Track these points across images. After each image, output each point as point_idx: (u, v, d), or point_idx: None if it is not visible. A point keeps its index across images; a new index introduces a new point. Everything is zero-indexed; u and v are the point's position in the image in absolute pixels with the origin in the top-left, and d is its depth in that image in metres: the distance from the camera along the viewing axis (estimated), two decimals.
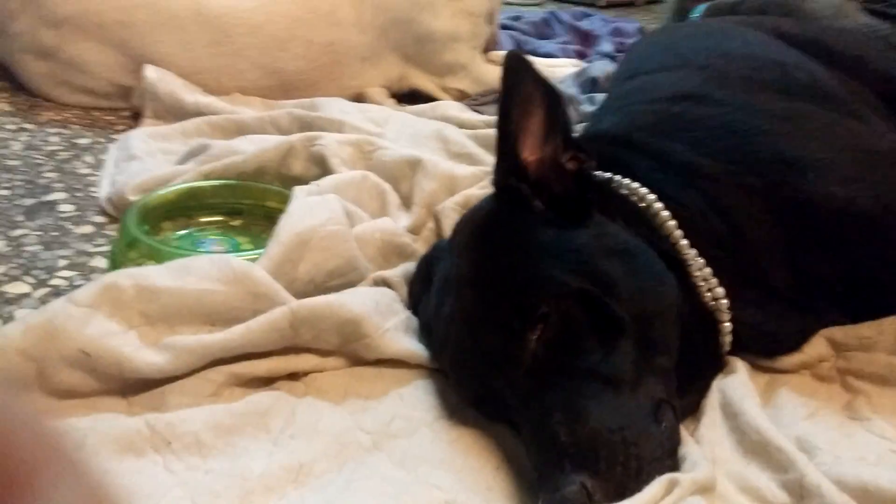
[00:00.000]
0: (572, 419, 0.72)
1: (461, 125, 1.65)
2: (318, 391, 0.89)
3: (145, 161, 1.41)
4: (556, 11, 2.92)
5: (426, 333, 0.95)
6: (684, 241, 0.90)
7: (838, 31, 1.58)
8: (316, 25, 1.89)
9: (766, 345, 0.94)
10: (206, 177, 1.29)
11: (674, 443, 0.76)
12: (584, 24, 2.79)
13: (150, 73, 1.70)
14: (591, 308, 0.78)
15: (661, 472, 0.71)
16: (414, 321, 0.99)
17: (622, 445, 0.70)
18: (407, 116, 1.70)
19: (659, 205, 0.92)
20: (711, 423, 0.83)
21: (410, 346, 0.93)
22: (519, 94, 0.85)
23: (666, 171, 0.96)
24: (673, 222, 0.91)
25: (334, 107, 1.62)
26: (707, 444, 0.81)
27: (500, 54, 1.63)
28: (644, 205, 0.93)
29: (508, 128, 0.86)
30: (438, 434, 0.85)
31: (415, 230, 1.20)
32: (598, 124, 1.19)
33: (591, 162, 0.88)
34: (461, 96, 2.06)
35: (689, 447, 0.78)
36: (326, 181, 1.17)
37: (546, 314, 0.78)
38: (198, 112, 1.64)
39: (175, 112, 1.66)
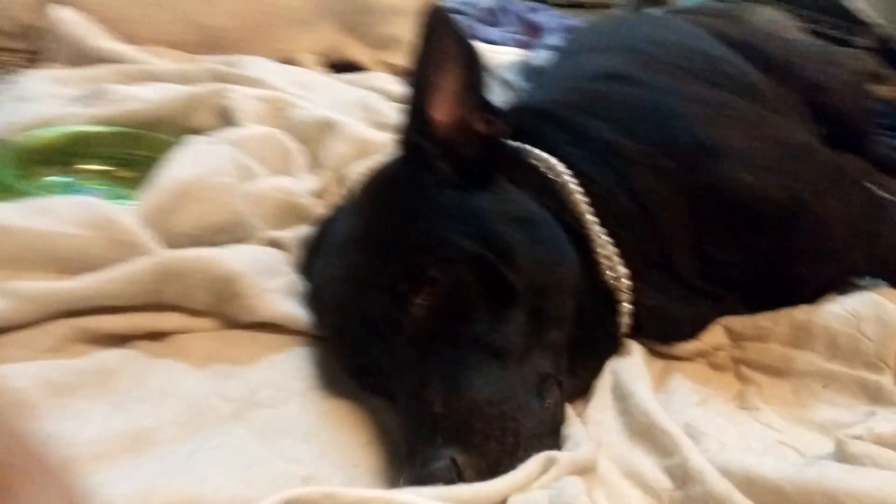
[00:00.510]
0: (449, 389, 0.66)
1: (391, 98, 1.58)
2: (180, 353, 0.81)
3: (38, 104, 1.29)
4: (507, 2, 2.87)
5: (312, 298, 0.88)
6: (591, 217, 0.86)
7: (773, 37, 1.57)
8: None
9: (664, 330, 0.90)
10: (99, 122, 1.19)
11: (556, 421, 0.71)
12: (534, 17, 2.75)
13: (56, 12, 1.57)
14: (484, 275, 0.73)
15: (540, 451, 0.65)
16: (301, 285, 0.92)
17: (499, 419, 0.65)
18: (333, 82, 1.61)
19: (569, 177, 0.87)
20: (601, 405, 0.78)
21: (291, 309, 0.86)
22: (436, 49, 0.79)
23: (582, 146, 0.92)
24: (581, 196, 0.86)
25: (256, 65, 1.53)
26: (594, 426, 0.75)
27: None
28: (553, 177, 0.88)
29: (420, 83, 0.80)
30: (308, 405, 0.77)
31: (322, 194, 1.12)
32: (525, 99, 1.14)
33: (504, 127, 0.82)
34: (396, 73, 1.98)
35: (575, 427, 0.73)
36: (225, 133, 1.09)
37: (435, 278, 0.72)
38: (105, 59, 1.52)
39: (80, 57, 1.53)
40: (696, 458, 0.68)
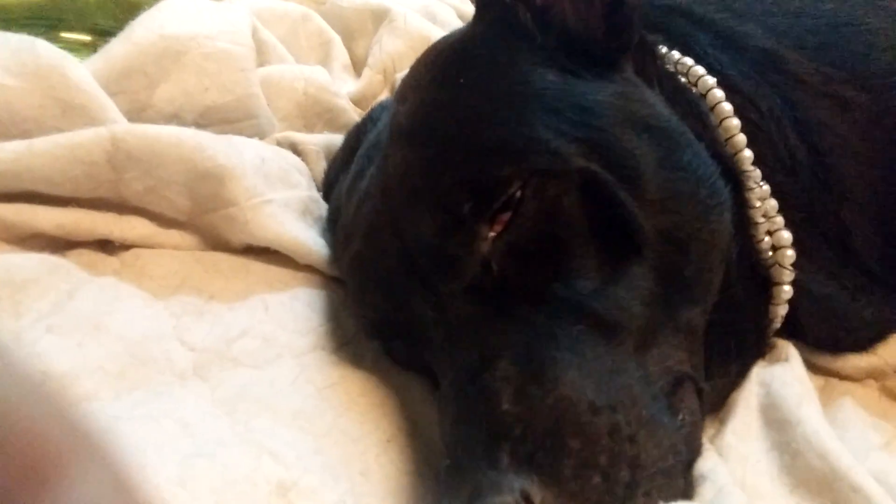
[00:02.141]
0: (528, 376, 0.41)
1: (458, 15, 1.30)
2: (135, 275, 0.56)
3: None
4: None
5: (332, 224, 0.63)
6: (748, 153, 0.58)
7: None
8: None
9: (832, 332, 0.62)
10: None
11: (694, 449, 0.45)
12: None
13: None
14: (595, 203, 0.46)
15: (669, 496, 0.40)
16: (320, 206, 0.67)
17: (609, 437, 0.39)
18: None
19: (719, 93, 0.60)
20: (745, 431, 0.52)
21: (300, 233, 0.60)
22: None
23: (734, 54, 0.64)
24: (736, 121, 0.59)
25: None
26: (735, 462, 0.50)
27: None
28: (697, 90, 0.61)
29: None
30: (309, 371, 0.52)
31: (361, 101, 0.87)
32: None
33: None
34: None
35: (713, 462, 0.46)
36: (246, 2, 0.83)
37: (520, 199, 0.45)
38: None
39: None
40: None
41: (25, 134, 0.55)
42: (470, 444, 0.40)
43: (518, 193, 0.46)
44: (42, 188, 0.55)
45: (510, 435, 0.39)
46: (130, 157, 0.55)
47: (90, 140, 0.54)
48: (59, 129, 0.56)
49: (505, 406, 0.40)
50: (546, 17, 0.55)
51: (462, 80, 0.52)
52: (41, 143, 0.54)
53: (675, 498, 0.40)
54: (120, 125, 0.56)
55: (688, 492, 0.43)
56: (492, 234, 0.46)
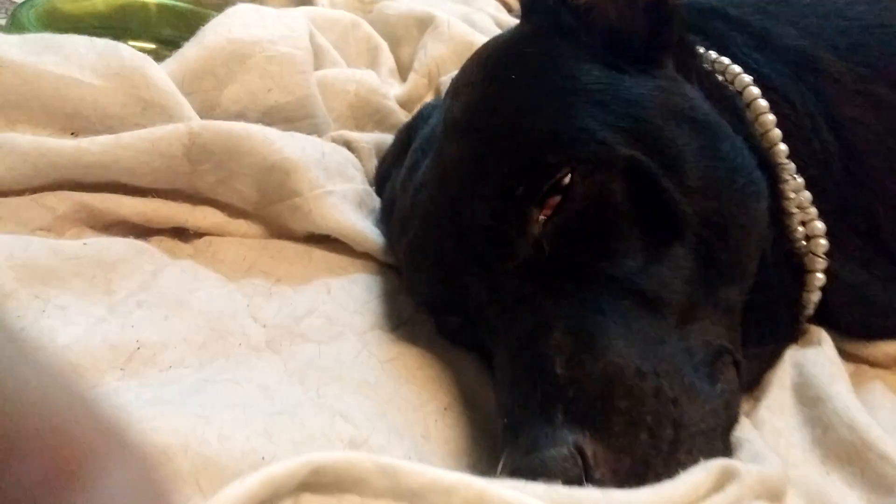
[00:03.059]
0: (579, 345, 0.44)
1: (496, 23, 1.35)
2: (209, 259, 0.61)
3: None
4: None
5: (387, 216, 0.67)
6: (783, 146, 0.61)
7: None
8: None
9: (864, 319, 0.65)
10: None
11: (732, 416, 0.48)
12: None
13: None
14: (639, 189, 0.50)
15: (709, 455, 0.43)
16: (374, 199, 0.71)
17: (654, 399, 0.42)
18: None
19: (755, 90, 0.63)
20: (778, 407, 0.55)
21: (358, 223, 0.65)
22: None
23: (769, 54, 0.68)
24: (771, 117, 0.62)
25: None
26: (770, 434, 0.52)
27: None
28: (734, 87, 0.64)
29: None
30: (370, 348, 0.56)
31: (407, 103, 0.91)
32: None
33: None
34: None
35: (749, 432, 0.49)
36: (303, 9, 0.88)
37: (569, 185, 0.49)
38: None
39: None
40: None
41: (110, 130, 0.60)
42: (526, 405, 0.44)
43: (567, 179, 0.50)
44: (126, 179, 0.60)
45: (564, 396, 0.43)
46: (205, 150, 0.60)
47: (169, 134, 0.59)
48: (140, 126, 0.61)
49: (558, 370, 0.44)
50: (589, 16, 0.58)
51: (513, 77, 0.56)
52: (126, 137, 0.59)
53: (716, 456, 0.44)
54: (195, 121, 0.61)
55: (727, 453, 0.46)
56: (543, 216, 0.50)
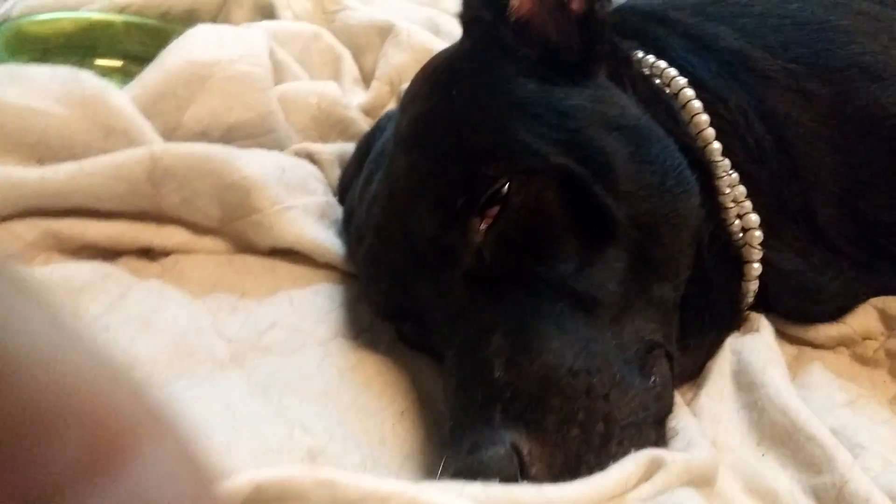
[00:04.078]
0: (517, 347, 0.48)
1: None
2: (175, 278, 0.64)
3: None
4: None
5: (347, 225, 0.70)
6: (716, 145, 0.65)
7: None
8: None
9: (801, 304, 0.68)
10: (121, 11, 1.01)
11: (663, 407, 0.51)
12: None
13: None
14: (573, 196, 0.53)
15: (641, 446, 0.46)
16: (336, 210, 0.74)
17: (585, 396, 0.46)
18: None
19: (690, 92, 0.66)
20: (717, 393, 0.58)
21: (319, 235, 0.68)
22: None
23: (704, 55, 0.70)
24: (705, 117, 0.65)
25: None
26: (708, 420, 0.56)
27: None
28: (670, 90, 0.67)
29: None
30: (331, 357, 0.59)
31: (371, 111, 0.93)
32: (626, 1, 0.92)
33: (606, 3, 0.61)
34: None
35: (685, 420, 0.53)
36: (264, 24, 0.90)
37: (506, 195, 0.52)
38: None
39: None
40: (859, 479, 0.49)
41: (75, 157, 0.63)
42: (468, 408, 0.47)
43: (504, 189, 0.53)
44: (91, 204, 0.63)
45: (502, 397, 0.46)
46: (167, 173, 0.63)
47: (132, 159, 0.62)
48: (104, 151, 0.63)
49: (497, 374, 0.47)
50: (525, 31, 0.61)
51: (453, 92, 0.59)
52: (90, 164, 0.61)
53: (645, 446, 0.47)
54: (157, 145, 0.64)
55: (659, 443, 0.49)
56: (483, 226, 0.53)
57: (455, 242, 0.53)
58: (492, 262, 0.53)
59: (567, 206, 0.53)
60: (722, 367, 0.60)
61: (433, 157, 0.56)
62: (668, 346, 0.54)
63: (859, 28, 0.73)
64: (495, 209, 0.53)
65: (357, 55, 1.01)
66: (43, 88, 0.63)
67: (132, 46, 1.00)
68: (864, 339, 0.69)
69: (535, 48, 0.60)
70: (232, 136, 0.74)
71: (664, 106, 0.66)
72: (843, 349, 0.69)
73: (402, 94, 0.94)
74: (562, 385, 0.46)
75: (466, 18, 0.63)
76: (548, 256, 0.52)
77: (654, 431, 0.49)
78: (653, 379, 0.51)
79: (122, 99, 0.65)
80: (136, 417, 0.17)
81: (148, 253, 0.66)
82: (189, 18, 1.04)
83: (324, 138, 0.85)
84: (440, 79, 0.61)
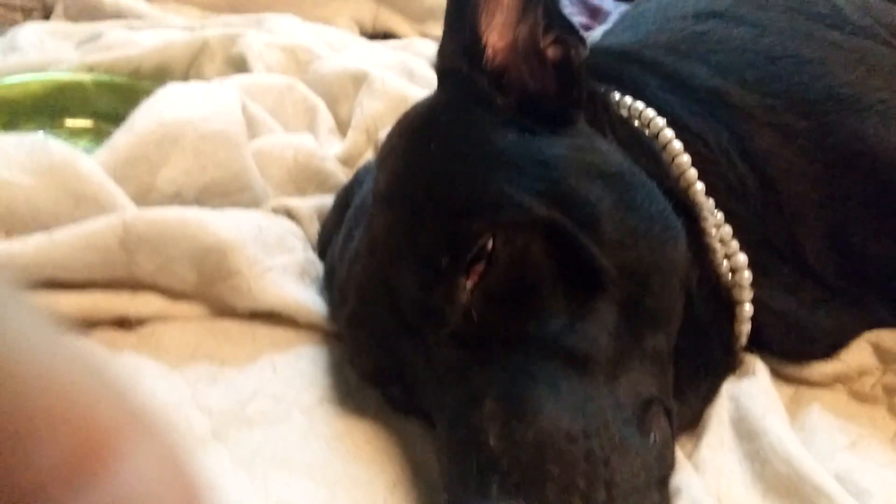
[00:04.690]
0: (511, 413, 0.46)
1: (435, 66, 1.37)
2: (152, 348, 0.61)
3: (29, 52, 1.12)
4: None
5: (329, 283, 0.68)
6: (699, 185, 0.64)
7: (886, 5, 1.34)
8: None
9: (795, 343, 0.67)
10: (90, 70, 1.00)
11: (666, 466, 0.50)
12: (595, 1, 2.56)
13: None
14: (559, 249, 0.52)
15: None
16: (317, 267, 0.72)
17: (585, 462, 0.44)
18: (371, 45, 1.41)
19: (669, 132, 0.66)
20: (718, 444, 0.57)
21: (300, 295, 0.66)
22: None
23: (681, 94, 0.70)
24: (686, 157, 0.65)
25: (283, 21, 1.33)
26: (711, 474, 0.54)
27: None
28: (649, 131, 0.66)
29: None
30: (318, 425, 0.57)
31: (348, 160, 0.92)
32: (601, 41, 0.92)
33: (582, 49, 0.61)
34: None
35: (686, 476, 0.51)
36: (234, 79, 0.89)
37: (491, 250, 0.51)
38: (117, 14, 1.35)
39: (90, 12, 1.36)
40: None
41: (44, 227, 0.61)
42: (464, 480, 0.45)
43: (489, 245, 0.51)
44: (62, 275, 0.60)
45: (498, 468, 0.44)
46: (141, 240, 0.61)
47: (104, 227, 0.60)
48: (75, 220, 0.61)
49: (492, 442, 0.45)
50: (501, 81, 0.60)
51: (431, 146, 0.58)
52: (60, 234, 0.59)
53: None
54: (129, 211, 0.62)
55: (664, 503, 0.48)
56: (469, 284, 0.51)
57: (441, 302, 0.51)
58: (480, 322, 0.51)
59: (554, 258, 0.52)
60: (721, 414, 0.59)
61: (414, 215, 0.54)
62: (666, 401, 0.52)
63: (833, 60, 0.73)
64: (481, 266, 0.51)
65: (332, 105, 1.00)
66: (8, 158, 0.61)
67: (103, 105, 0.98)
68: (860, 374, 0.68)
69: (512, 97, 0.59)
70: (207, 195, 0.72)
71: (645, 148, 0.65)
72: (839, 386, 0.68)
73: (378, 143, 0.93)
74: (560, 451, 0.44)
75: (442, 69, 0.62)
76: (537, 313, 0.51)
77: (658, 493, 0.47)
78: (653, 437, 0.49)
79: (91, 165, 0.63)
80: (120, 420, 0.17)
81: (123, 322, 0.63)
82: (160, 74, 1.03)
83: (301, 192, 0.84)
84: (417, 132, 0.60)
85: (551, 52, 0.61)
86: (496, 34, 0.61)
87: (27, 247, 0.58)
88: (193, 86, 0.76)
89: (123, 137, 0.68)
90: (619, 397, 0.49)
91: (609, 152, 0.59)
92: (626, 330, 0.52)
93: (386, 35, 1.75)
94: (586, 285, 0.52)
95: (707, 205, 0.63)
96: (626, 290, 0.53)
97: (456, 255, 0.51)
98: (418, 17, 1.79)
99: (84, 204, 0.62)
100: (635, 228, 0.55)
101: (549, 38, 0.61)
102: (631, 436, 0.47)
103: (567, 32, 0.61)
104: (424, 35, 1.78)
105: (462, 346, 0.51)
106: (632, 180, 0.58)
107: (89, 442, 0.16)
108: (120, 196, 0.64)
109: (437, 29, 1.83)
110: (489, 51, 0.61)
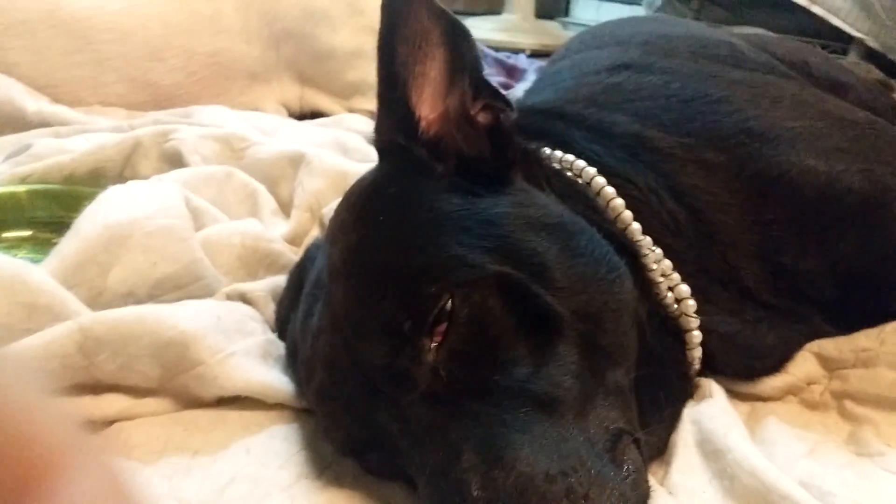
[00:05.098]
0: (490, 461, 0.47)
1: (369, 139, 1.41)
2: (121, 446, 0.61)
3: None
4: (484, 48, 2.79)
5: (292, 361, 0.69)
6: (636, 225, 0.68)
7: (783, 40, 1.46)
8: (196, 33, 1.63)
9: (744, 362, 0.71)
10: (23, 181, 1.00)
11: (641, 494, 0.51)
12: (511, 61, 2.68)
13: None
14: (514, 300, 0.54)
15: None
16: (278, 347, 0.73)
17: (567, 500, 0.45)
18: (302, 126, 1.45)
19: (601, 179, 0.70)
20: (688, 467, 0.59)
21: (265, 377, 0.66)
22: (407, 27, 0.63)
23: (606, 143, 0.75)
24: (620, 200, 0.69)
25: (211, 112, 1.36)
26: (685, 496, 0.56)
27: None
28: (582, 180, 0.70)
29: (393, 70, 0.63)
30: (299, 501, 0.57)
31: (294, 240, 0.94)
32: (522, 101, 0.97)
33: (510, 112, 0.65)
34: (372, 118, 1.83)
35: (663, 501, 0.53)
36: (173, 175, 0.90)
37: (452, 310, 0.53)
38: (42, 123, 1.35)
39: (14, 123, 1.35)
40: None
41: (1, 342, 0.60)
42: None
43: (448, 305, 0.54)
44: None
45: None
46: (100, 342, 0.61)
47: (61, 335, 0.60)
48: (29, 331, 0.61)
49: (475, 492, 0.46)
50: (438, 149, 0.64)
51: (381, 218, 0.60)
52: (17, 347, 0.59)
53: None
54: (85, 316, 0.62)
55: None
56: (434, 344, 0.53)
57: (408, 365, 0.53)
58: (449, 379, 0.52)
59: (511, 310, 0.54)
60: (686, 439, 0.61)
61: (371, 285, 0.56)
62: (634, 432, 0.55)
63: (739, 96, 0.79)
64: (442, 326, 0.53)
65: (272, 187, 1.02)
66: None
67: (39, 214, 0.98)
68: (809, 384, 0.72)
69: (450, 163, 0.63)
70: (159, 291, 0.73)
71: (581, 197, 0.69)
72: (791, 397, 0.72)
73: (323, 219, 0.95)
74: (542, 493, 0.46)
75: (380, 145, 0.65)
76: (502, 363, 0.53)
77: None
78: (626, 468, 0.51)
79: (40, 275, 0.63)
80: (61, 444, 0.17)
81: (89, 425, 0.62)
82: (94, 177, 1.04)
83: (252, 276, 0.85)
84: (365, 206, 0.62)
85: (482, 118, 0.64)
86: (427, 107, 0.64)
87: None
88: (134, 185, 0.77)
89: (70, 243, 0.68)
90: (590, 433, 0.51)
91: (548, 205, 0.63)
92: (587, 369, 0.55)
93: (314, 114, 1.80)
94: (544, 332, 0.54)
95: (645, 242, 0.67)
96: (582, 332, 0.56)
97: (418, 319, 0.53)
98: (343, 94, 1.84)
99: (37, 314, 0.62)
100: (583, 273, 0.58)
101: (478, 105, 0.64)
102: (606, 469, 0.49)
103: (494, 98, 0.65)
104: (351, 110, 1.83)
105: (435, 404, 0.52)
106: (573, 228, 0.61)
107: (32, 464, 0.16)
108: (73, 302, 0.64)
109: (364, 103, 1.89)
110: (423, 123, 0.64)
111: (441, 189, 0.60)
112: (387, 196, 0.62)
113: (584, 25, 1.41)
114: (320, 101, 1.84)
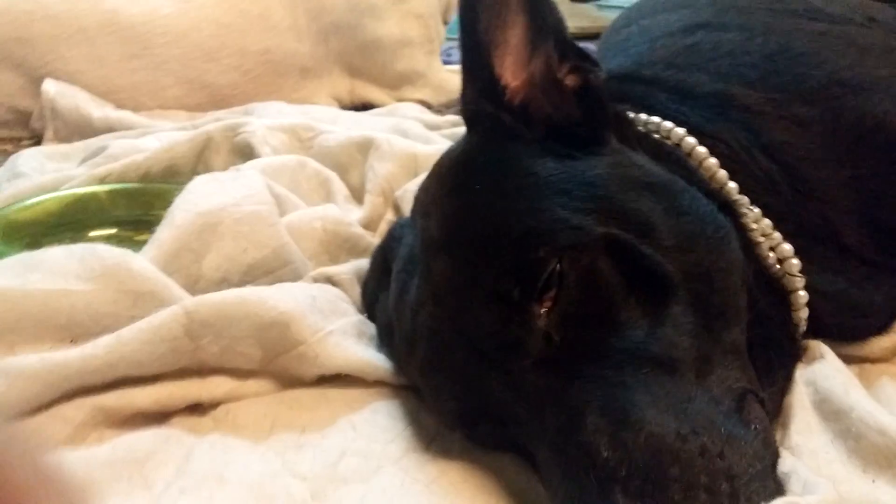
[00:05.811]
0: (617, 423, 0.46)
1: (426, 125, 1.41)
2: (231, 427, 0.62)
3: (34, 178, 1.13)
4: None
5: (387, 339, 0.69)
6: (732, 184, 0.66)
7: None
8: (248, 31, 1.64)
9: (852, 322, 0.69)
10: (102, 181, 1.02)
11: (772, 453, 0.50)
12: None
13: (50, 86, 1.43)
14: (623, 261, 0.53)
15: (767, 498, 0.45)
16: (369, 326, 0.73)
17: (701, 458, 0.44)
18: (359, 115, 1.45)
19: (692, 139, 0.68)
20: (806, 428, 0.57)
21: (364, 354, 0.66)
22: None
23: (691, 103, 0.73)
24: (713, 160, 0.67)
25: (272, 108, 1.37)
26: (807, 458, 0.54)
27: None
28: (671, 141, 0.69)
29: (476, 38, 0.62)
30: (410, 473, 0.57)
31: (369, 224, 0.94)
32: None
33: (598, 72, 0.64)
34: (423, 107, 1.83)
35: (791, 461, 0.52)
36: (250, 164, 0.91)
37: (560, 274, 0.52)
38: (108, 129, 1.37)
39: (81, 130, 1.39)
40: None
41: (106, 329, 0.61)
42: (584, 495, 0.45)
43: (557, 269, 0.53)
44: (134, 371, 0.61)
45: (618, 477, 0.44)
46: (204, 325, 0.62)
47: (169, 319, 0.61)
48: (135, 317, 0.62)
49: (605, 454, 0.45)
50: (527, 114, 0.63)
51: (477, 187, 0.59)
52: (127, 333, 0.60)
53: (773, 497, 0.45)
54: (188, 300, 0.63)
55: (780, 490, 0.48)
56: (544, 309, 0.53)
57: (520, 333, 0.52)
58: (562, 344, 0.52)
59: (620, 272, 0.53)
60: (802, 400, 0.60)
61: (474, 254, 0.55)
62: (756, 390, 0.53)
63: (826, 48, 0.77)
64: (551, 291, 0.52)
65: (342, 174, 1.02)
66: (63, 269, 0.62)
67: (121, 213, 1.00)
68: None
69: (540, 128, 0.62)
70: (251, 275, 0.74)
71: (672, 158, 0.67)
72: None
73: (397, 202, 0.95)
74: (675, 452, 0.45)
75: (468, 114, 0.65)
76: (616, 325, 0.52)
77: (773, 480, 0.48)
78: (754, 427, 0.49)
79: (142, 262, 0.64)
80: (32, 485, 0.18)
81: (196, 408, 0.63)
82: (169, 174, 1.05)
83: (334, 260, 0.85)
84: (457, 177, 0.62)
85: (570, 81, 0.63)
86: (510, 74, 0.63)
87: (97, 349, 0.59)
88: (220, 174, 0.78)
89: (165, 232, 0.69)
90: (714, 393, 0.50)
91: (646, 164, 0.61)
92: (703, 328, 0.53)
93: (365, 106, 1.80)
94: (657, 293, 0.53)
95: (743, 201, 0.66)
96: (694, 292, 0.54)
97: (527, 285, 0.52)
98: (392, 84, 1.84)
99: (142, 300, 0.63)
100: (691, 231, 0.56)
101: (565, 68, 0.63)
102: (736, 427, 0.48)
103: (581, 59, 0.63)
104: (401, 100, 1.83)
105: (549, 371, 0.51)
106: (675, 188, 0.60)
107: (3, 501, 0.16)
108: (175, 288, 0.65)
109: (413, 93, 1.89)
110: (508, 91, 0.63)
111: (535, 154, 0.60)
112: (480, 165, 0.61)
113: (619, 8, 1.38)
114: (370, 92, 1.84)
